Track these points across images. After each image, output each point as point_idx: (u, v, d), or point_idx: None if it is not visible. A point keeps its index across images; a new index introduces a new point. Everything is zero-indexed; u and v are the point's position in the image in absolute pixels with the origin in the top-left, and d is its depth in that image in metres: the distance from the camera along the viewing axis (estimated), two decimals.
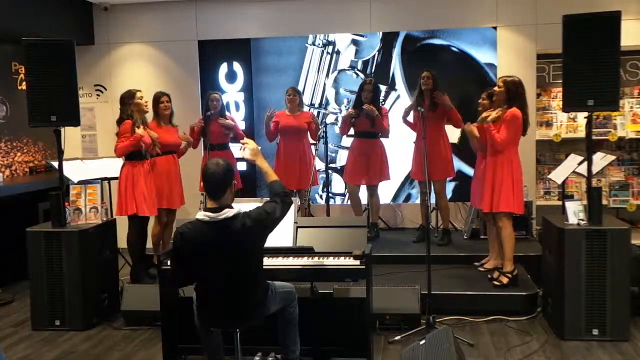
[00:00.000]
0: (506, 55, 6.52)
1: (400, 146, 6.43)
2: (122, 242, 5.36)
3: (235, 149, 6.12)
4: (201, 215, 2.96)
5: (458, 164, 6.30)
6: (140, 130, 5.01)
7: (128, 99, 5.11)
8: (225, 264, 2.96)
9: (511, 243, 4.70)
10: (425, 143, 4.64)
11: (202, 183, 3.09)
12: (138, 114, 5.09)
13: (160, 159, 5.39)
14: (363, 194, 6.15)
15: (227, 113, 6.14)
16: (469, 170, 6.34)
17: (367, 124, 5.82)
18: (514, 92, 4.61)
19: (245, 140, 3.34)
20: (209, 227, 2.94)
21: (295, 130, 5.99)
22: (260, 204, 3.14)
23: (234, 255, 2.95)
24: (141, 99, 5.12)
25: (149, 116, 5.39)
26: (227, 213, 2.93)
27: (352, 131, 6.01)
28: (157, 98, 5.50)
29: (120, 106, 5.15)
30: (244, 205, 3.21)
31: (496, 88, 4.75)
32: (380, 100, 6.61)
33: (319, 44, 6.87)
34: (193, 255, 2.97)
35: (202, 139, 5.92)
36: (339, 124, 6.14)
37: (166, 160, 5.45)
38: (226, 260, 2.95)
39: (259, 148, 3.34)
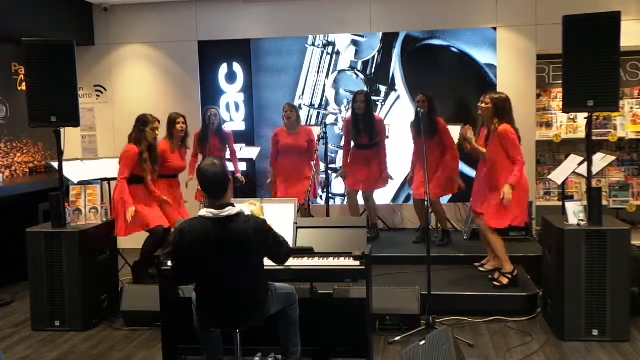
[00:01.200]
0: (506, 56, 6.52)
1: (399, 148, 6.43)
2: (122, 242, 5.36)
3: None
4: (204, 212, 2.99)
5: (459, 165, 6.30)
6: (129, 213, 4.84)
7: (142, 125, 4.99)
8: (225, 262, 2.96)
9: (499, 244, 4.72)
10: (425, 145, 4.64)
11: (200, 185, 3.10)
12: (145, 142, 4.98)
13: (164, 182, 5.31)
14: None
15: (225, 129, 6.13)
16: (468, 171, 6.34)
17: (367, 138, 5.80)
18: (501, 108, 4.64)
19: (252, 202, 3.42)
20: (211, 224, 2.96)
21: (294, 150, 5.88)
22: (259, 204, 3.15)
23: (233, 253, 2.95)
24: (153, 131, 5.01)
25: (162, 133, 5.30)
26: (230, 211, 2.96)
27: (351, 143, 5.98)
28: (173, 120, 5.37)
29: (134, 125, 5.04)
30: (244, 206, 3.23)
31: (483, 105, 4.75)
32: (380, 100, 6.62)
33: (319, 45, 6.87)
34: (193, 251, 2.98)
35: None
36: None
37: (169, 184, 5.36)
38: (225, 258, 2.95)
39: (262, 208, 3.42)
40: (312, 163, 5.83)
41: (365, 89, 6.47)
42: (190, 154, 5.91)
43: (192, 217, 3.08)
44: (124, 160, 4.93)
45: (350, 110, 6.00)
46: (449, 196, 6.24)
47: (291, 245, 3.62)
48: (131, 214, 4.81)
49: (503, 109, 4.64)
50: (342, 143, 6.20)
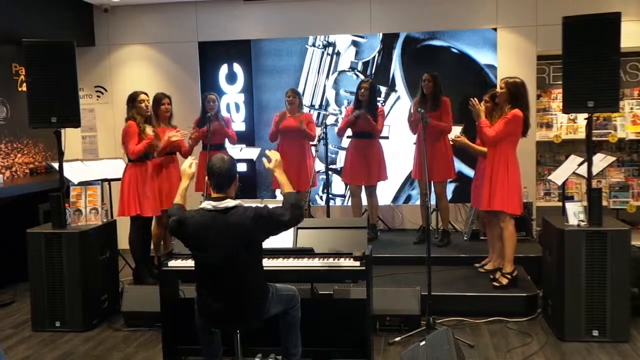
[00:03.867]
0: (506, 57, 6.52)
1: (401, 147, 6.44)
2: (122, 243, 5.37)
3: (231, 150, 6.13)
4: (205, 203, 3.07)
5: (458, 165, 6.30)
6: (150, 131, 5.08)
7: (130, 101, 5.16)
8: (223, 255, 2.97)
9: (512, 243, 4.71)
10: (425, 144, 4.65)
11: (207, 178, 3.19)
12: (139, 116, 5.12)
13: (161, 161, 5.39)
14: (362, 195, 6.15)
15: (225, 114, 6.16)
16: (468, 171, 6.34)
17: (366, 124, 5.83)
18: (515, 93, 4.63)
19: (272, 152, 3.37)
20: (210, 215, 3.02)
21: (295, 132, 5.98)
22: (260, 205, 3.16)
23: (231, 245, 2.96)
24: (141, 103, 5.12)
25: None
26: (228, 203, 3.03)
27: (349, 132, 6.00)
28: (159, 100, 5.49)
29: (126, 105, 5.22)
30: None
31: (498, 89, 4.78)
32: (380, 101, 6.62)
33: (319, 45, 6.87)
34: (193, 239, 3.02)
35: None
36: (339, 124, 6.13)
37: (166, 162, 5.45)
38: (224, 250, 2.96)
39: (281, 161, 3.34)
40: (313, 150, 5.96)
41: None
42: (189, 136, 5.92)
43: (193, 210, 3.15)
44: (130, 134, 5.06)
45: (353, 100, 6.04)
46: (450, 196, 6.25)
47: (291, 246, 3.64)
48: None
49: (517, 93, 4.64)
50: (344, 143, 6.20)
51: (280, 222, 3.05)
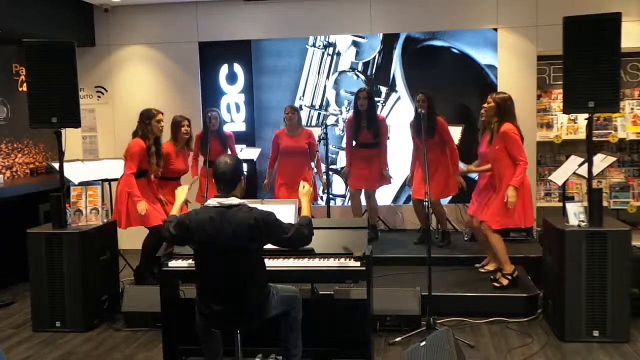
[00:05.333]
0: (507, 57, 6.52)
1: (400, 147, 6.44)
2: (122, 243, 5.37)
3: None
4: (210, 201, 3.10)
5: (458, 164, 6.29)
6: (140, 207, 4.90)
7: (146, 119, 5.06)
8: (225, 252, 2.98)
9: (501, 246, 4.71)
10: (425, 145, 4.65)
11: (213, 179, 3.23)
12: (152, 135, 5.05)
13: (167, 184, 5.35)
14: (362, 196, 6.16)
15: (226, 131, 6.14)
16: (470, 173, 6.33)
17: (369, 136, 5.82)
18: (503, 108, 4.64)
19: (305, 184, 3.47)
20: (215, 210, 3.04)
21: (295, 152, 5.91)
22: (261, 205, 3.17)
23: (232, 242, 2.97)
24: (158, 123, 5.07)
25: (166, 135, 5.38)
26: (233, 200, 3.06)
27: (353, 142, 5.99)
28: (178, 123, 5.46)
29: (138, 121, 5.11)
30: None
31: (485, 105, 4.76)
32: (380, 101, 6.63)
33: (320, 46, 6.87)
34: (197, 236, 3.02)
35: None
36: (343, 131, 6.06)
37: (172, 187, 5.31)
38: (225, 246, 2.97)
39: (311, 192, 3.46)
40: (312, 164, 5.86)
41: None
42: (191, 156, 5.92)
43: (196, 208, 3.18)
44: (133, 155, 4.98)
45: (351, 110, 6.00)
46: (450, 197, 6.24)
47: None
48: (144, 208, 4.90)
49: (505, 108, 4.64)
50: (344, 143, 6.20)
51: (282, 237, 3.09)
